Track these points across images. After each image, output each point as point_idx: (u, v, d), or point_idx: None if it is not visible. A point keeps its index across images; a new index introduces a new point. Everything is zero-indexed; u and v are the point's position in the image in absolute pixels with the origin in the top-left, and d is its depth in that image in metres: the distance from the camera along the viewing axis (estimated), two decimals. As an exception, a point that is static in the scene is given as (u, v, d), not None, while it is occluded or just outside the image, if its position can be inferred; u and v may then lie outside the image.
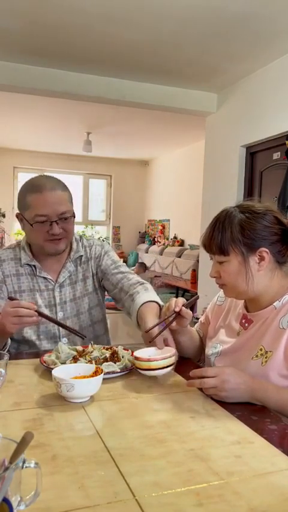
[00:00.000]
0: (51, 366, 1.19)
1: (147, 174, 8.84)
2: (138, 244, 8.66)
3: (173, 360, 1.17)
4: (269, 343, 1.16)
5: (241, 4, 2.77)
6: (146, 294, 1.49)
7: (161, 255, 7.42)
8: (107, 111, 5.10)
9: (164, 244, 7.73)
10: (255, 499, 0.69)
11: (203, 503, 0.67)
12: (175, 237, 7.49)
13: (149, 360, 1.14)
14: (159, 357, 1.15)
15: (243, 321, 1.28)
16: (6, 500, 0.56)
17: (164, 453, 0.82)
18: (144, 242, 8.56)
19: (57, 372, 1.07)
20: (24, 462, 0.60)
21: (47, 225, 1.42)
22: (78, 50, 3.57)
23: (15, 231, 8.00)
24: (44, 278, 1.56)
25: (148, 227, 8.68)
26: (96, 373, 1.10)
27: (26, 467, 0.60)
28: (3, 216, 7.18)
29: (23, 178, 8.14)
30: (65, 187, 1.48)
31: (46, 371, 1.23)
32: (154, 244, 8.14)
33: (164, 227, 7.98)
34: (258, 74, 3.86)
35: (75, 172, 8.44)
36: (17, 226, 8.07)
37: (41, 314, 1.30)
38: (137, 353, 1.20)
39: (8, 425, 0.92)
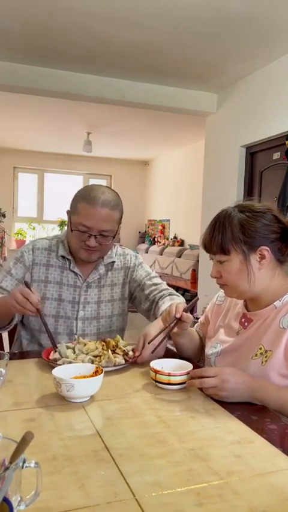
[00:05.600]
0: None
1: (147, 174, 8.83)
2: (138, 244, 8.64)
3: (189, 377, 1.15)
4: (269, 342, 1.16)
5: (241, 4, 2.77)
6: (169, 302, 1.51)
7: (161, 255, 7.40)
8: (107, 111, 5.10)
9: (164, 244, 7.71)
10: (255, 498, 0.69)
11: (203, 503, 0.67)
12: (175, 237, 7.48)
13: (169, 375, 1.14)
14: (178, 373, 1.14)
15: (243, 320, 1.29)
16: (6, 500, 0.56)
17: (164, 453, 0.82)
18: (144, 242, 8.55)
19: (57, 371, 1.07)
20: (24, 462, 0.60)
21: (85, 235, 1.47)
22: (78, 50, 3.57)
23: (15, 231, 7.99)
24: (75, 274, 1.59)
25: (148, 227, 8.66)
26: (96, 373, 1.10)
27: (26, 467, 0.60)
28: (3, 216, 7.16)
29: (23, 178, 8.14)
30: (115, 207, 1.49)
31: (46, 371, 1.23)
32: (154, 244, 8.13)
33: (164, 227, 7.97)
34: (258, 74, 3.86)
35: (75, 172, 8.43)
36: (17, 226, 8.08)
37: (40, 315, 1.32)
38: (154, 366, 1.17)
39: (8, 425, 0.92)
